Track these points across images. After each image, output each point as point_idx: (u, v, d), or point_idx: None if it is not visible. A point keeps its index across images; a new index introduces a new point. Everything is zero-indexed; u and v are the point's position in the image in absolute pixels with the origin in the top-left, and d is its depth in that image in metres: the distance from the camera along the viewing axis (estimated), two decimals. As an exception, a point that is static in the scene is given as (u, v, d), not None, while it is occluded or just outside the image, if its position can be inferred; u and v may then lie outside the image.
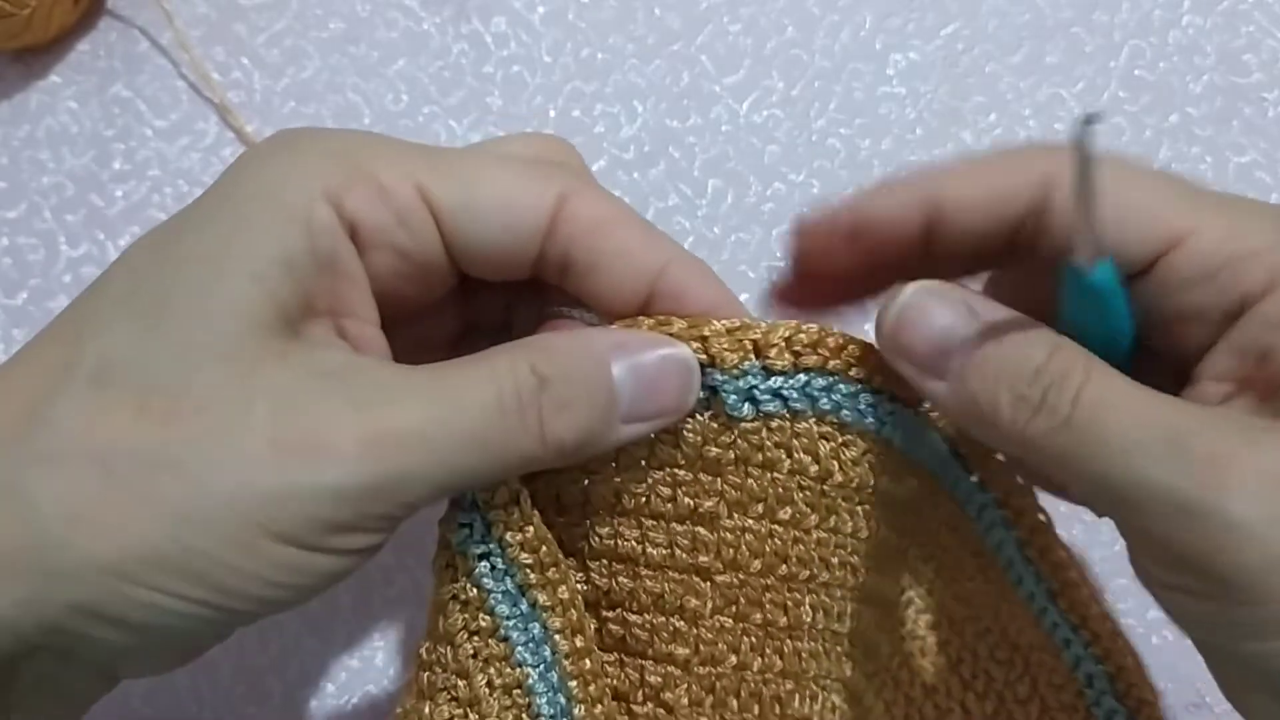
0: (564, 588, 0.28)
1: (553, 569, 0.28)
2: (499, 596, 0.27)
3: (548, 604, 0.27)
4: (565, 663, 0.27)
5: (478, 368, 0.25)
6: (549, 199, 0.27)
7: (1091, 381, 0.24)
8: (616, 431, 0.26)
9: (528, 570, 0.27)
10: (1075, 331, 0.26)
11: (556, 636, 0.27)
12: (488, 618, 0.27)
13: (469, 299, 0.30)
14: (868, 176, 0.49)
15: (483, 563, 0.27)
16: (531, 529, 0.27)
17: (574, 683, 0.28)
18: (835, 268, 0.28)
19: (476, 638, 0.27)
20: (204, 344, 0.23)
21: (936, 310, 0.26)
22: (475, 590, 0.27)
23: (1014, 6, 0.51)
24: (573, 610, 0.28)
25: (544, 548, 0.27)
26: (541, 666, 0.27)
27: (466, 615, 0.27)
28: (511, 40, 0.51)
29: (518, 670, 0.27)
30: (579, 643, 0.28)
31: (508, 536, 0.27)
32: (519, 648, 0.27)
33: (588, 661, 0.28)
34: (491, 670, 0.27)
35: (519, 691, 0.27)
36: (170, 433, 0.22)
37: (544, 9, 0.51)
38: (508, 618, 0.27)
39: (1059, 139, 0.27)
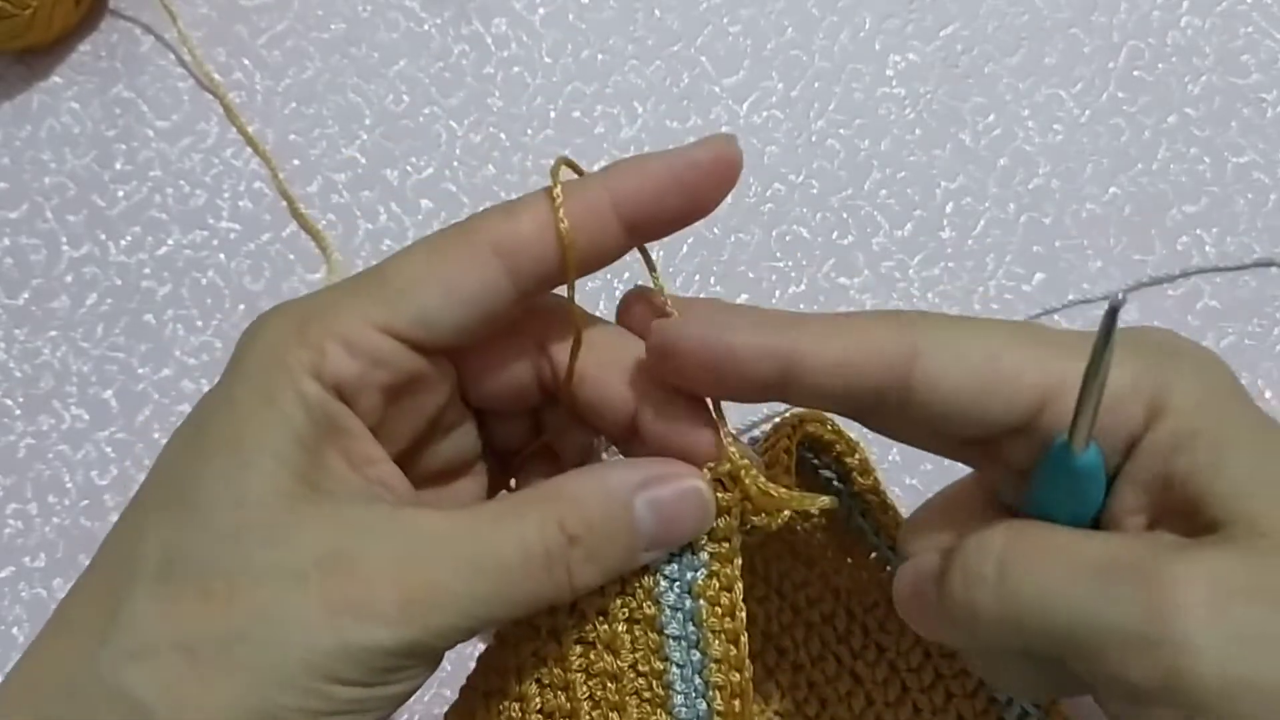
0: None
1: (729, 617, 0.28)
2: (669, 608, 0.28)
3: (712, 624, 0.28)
4: (713, 667, 0.28)
5: (508, 525, 0.27)
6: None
7: (1009, 539, 0.25)
8: (637, 562, 0.28)
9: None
10: (1040, 500, 0.26)
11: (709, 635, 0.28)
12: (652, 605, 0.28)
13: (484, 423, 0.32)
14: (867, 177, 0.49)
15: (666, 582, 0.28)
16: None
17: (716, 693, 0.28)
18: (686, 383, 0.28)
19: (636, 625, 0.28)
20: (247, 526, 0.26)
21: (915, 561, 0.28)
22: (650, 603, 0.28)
23: (1013, 8, 0.51)
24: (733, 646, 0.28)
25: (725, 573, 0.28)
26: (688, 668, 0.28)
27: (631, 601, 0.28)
28: (512, 41, 0.51)
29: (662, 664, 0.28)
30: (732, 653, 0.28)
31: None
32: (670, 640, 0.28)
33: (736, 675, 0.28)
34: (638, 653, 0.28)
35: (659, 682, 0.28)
36: (235, 612, 0.25)
37: (545, 10, 0.51)
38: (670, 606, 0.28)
39: (911, 311, 0.27)
